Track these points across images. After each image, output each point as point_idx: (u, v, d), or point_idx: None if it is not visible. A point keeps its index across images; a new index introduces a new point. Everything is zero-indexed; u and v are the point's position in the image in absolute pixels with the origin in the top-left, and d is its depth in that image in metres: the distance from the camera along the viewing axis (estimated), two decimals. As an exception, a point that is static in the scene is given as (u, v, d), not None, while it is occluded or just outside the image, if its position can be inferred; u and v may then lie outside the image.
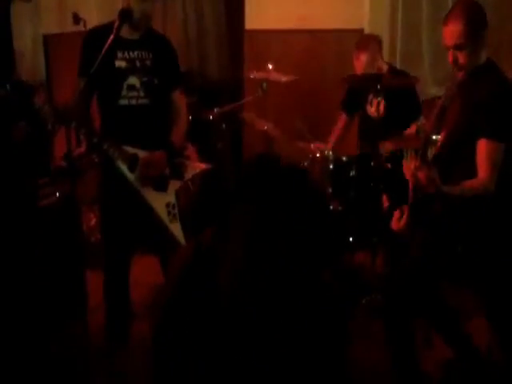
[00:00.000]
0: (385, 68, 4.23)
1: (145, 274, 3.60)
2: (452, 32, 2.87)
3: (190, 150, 4.31)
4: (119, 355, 3.32)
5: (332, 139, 4.53)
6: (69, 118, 2.98)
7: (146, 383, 2.83)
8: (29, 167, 3.55)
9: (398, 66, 4.76)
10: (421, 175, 2.76)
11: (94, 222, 4.38)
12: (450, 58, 2.93)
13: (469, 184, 2.82)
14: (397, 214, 3.03)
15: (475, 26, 2.85)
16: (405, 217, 2.99)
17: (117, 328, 3.35)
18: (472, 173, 2.85)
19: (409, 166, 2.90)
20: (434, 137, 3.08)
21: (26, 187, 3.46)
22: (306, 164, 4.18)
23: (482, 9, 2.97)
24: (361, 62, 4.15)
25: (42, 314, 3.43)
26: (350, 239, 3.94)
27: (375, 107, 3.96)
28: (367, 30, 5.05)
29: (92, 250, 3.81)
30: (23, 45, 4.50)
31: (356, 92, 4.41)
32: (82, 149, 3.75)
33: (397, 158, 4.15)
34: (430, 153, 3.03)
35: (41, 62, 4.60)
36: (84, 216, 4.30)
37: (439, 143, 3.06)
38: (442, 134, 3.05)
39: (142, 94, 3.19)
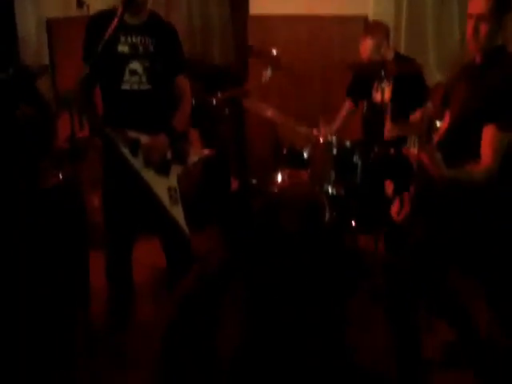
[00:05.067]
0: (390, 55, 4.22)
1: (147, 255, 3.62)
2: (480, 1, 2.85)
3: (193, 136, 4.31)
4: (121, 336, 3.34)
5: (336, 125, 4.53)
6: (71, 103, 3.00)
7: (146, 363, 2.85)
8: (32, 149, 3.55)
9: (403, 53, 4.74)
10: (424, 156, 2.76)
11: (97, 203, 4.38)
12: (469, 30, 2.88)
13: (470, 169, 2.82)
14: (396, 204, 3.03)
15: (502, 6, 2.83)
16: (405, 207, 3.00)
17: (119, 309, 3.39)
18: (477, 159, 2.85)
19: (413, 151, 2.90)
20: (438, 123, 3.07)
21: (28, 169, 3.47)
22: (308, 149, 4.18)
23: None
24: (366, 48, 4.14)
25: (45, 295, 3.45)
26: (353, 223, 3.94)
27: (380, 93, 3.96)
28: (371, 17, 5.02)
29: (95, 231, 3.83)
30: (27, 29, 4.48)
31: (361, 79, 4.40)
32: (85, 132, 3.75)
33: (400, 144, 4.16)
34: (434, 139, 3.02)
35: (44, 47, 4.58)
36: (87, 197, 4.30)
37: (443, 129, 3.05)
38: (446, 119, 3.04)
39: (144, 79, 3.20)
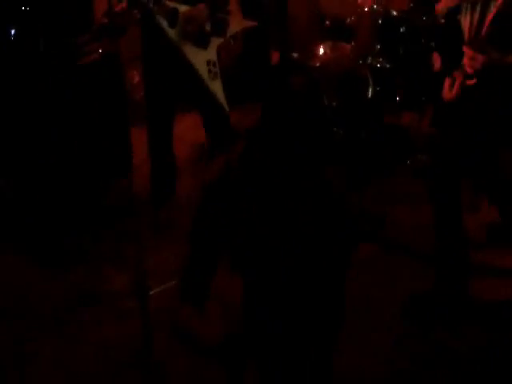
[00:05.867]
0: None
1: (187, 131, 3.63)
2: None
3: (233, 6, 4.17)
4: (164, 209, 3.43)
5: None
6: None
7: (187, 234, 2.93)
8: (70, 24, 3.50)
9: None
10: (468, 52, 2.65)
11: (137, 79, 4.35)
12: None
13: None
14: (448, 81, 2.90)
15: None
16: (457, 85, 2.86)
17: (162, 183, 3.45)
18: None
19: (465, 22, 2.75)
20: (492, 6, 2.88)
21: (68, 44, 3.43)
22: (352, 19, 4.04)
23: None
24: None
25: (89, 170, 3.52)
26: (397, 98, 3.86)
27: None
28: None
29: (136, 107, 3.83)
30: None
31: None
32: (124, 4, 3.66)
33: (452, 13, 3.95)
34: (490, 11, 2.85)
35: None
36: (127, 73, 4.28)
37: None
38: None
39: None
